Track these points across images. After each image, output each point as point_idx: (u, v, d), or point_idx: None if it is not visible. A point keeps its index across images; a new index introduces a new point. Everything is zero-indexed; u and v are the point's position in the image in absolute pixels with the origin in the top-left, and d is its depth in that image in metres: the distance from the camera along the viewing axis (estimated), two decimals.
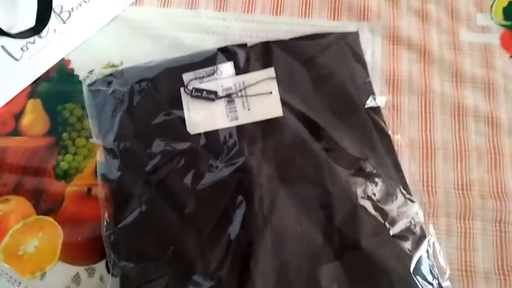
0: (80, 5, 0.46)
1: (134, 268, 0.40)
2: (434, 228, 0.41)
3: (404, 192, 0.41)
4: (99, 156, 0.45)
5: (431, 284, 0.38)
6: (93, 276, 0.42)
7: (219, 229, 0.40)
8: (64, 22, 0.46)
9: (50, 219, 0.43)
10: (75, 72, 0.48)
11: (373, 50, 0.48)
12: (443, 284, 0.39)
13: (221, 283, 0.38)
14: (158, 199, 0.41)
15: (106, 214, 0.42)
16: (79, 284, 0.41)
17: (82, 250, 0.42)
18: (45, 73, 0.48)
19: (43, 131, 0.46)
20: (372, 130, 0.43)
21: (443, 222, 0.42)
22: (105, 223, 0.42)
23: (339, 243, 0.39)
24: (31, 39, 0.44)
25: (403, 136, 0.44)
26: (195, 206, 0.41)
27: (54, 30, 0.46)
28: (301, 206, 0.40)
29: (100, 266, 0.42)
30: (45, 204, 0.44)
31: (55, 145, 0.46)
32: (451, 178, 0.43)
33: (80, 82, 0.47)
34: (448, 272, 0.40)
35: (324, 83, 0.45)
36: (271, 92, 0.45)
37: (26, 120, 0.47)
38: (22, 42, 0.44)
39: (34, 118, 0.47)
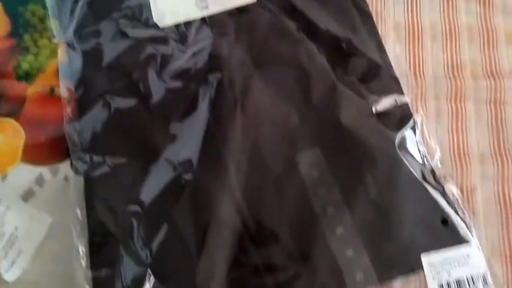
0: None
1: (99, 161, 0.37)
2: (423, 110, 0.38)
3: (388, 72, 0.38)
4: (61, 55, 0.42)
5: (419, 162, 0.35)
6: (57, 175, 0.39)
7: (188, 117, 0.37)
8: None
9: (11, 120, 0.40)
10: None
11: None
12: (432, 164, 0.35)
13: (191, 169, 0.35)
14: (122, 90, 0.38)
15: (69, 110, 0.39)
16: (42, 185, 0.39)
17: (45, 150, 0.39)
18: None
19: (3, 34, 0.43)
20: (354, 11, 0.40)
21: (433, 105, 0.39)
22: (67, 118, 0.39)
23: (318, 123, 0.36)
24: None
25: (387, 20, 0.41)
26: (162, 95, 0.38)
27: None
28: (275, 88, 0.37)
29: (65, 166, 0.39)
30: (5, 106, 0.41)
31: (16, 47, 0.43)
32: (440, 60, 0.40)
33: None
34: (438, 152, 0.36)
35: None
36: None
37: None
38: None
39: None
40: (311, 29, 0.39)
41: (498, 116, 0.38)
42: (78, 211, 0.36)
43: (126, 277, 0.32)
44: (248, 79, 0.37)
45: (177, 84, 0.38)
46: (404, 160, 0.34)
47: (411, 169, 0.34)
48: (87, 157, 0.37)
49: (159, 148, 0.36)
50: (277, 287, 0.32)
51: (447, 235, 0.33)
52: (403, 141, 0.35)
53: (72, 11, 0.42)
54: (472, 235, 0.33)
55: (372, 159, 0.34)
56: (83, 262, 0.34)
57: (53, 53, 0.42)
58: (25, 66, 0.42)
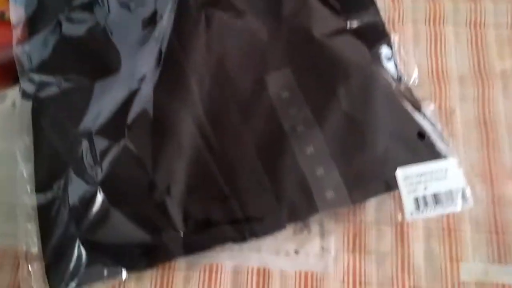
0: None
1: (49, 82, 0.34)
2: (400, 33, 0.35)
3: None
4: None
5: (394, 78, 0.33)
6: (4, 102, 0.36)
7: (146, 32, 0.34)
8: None
9: None
10: None
11: None
12: (409, 82, 0.33)
13: (149, 86, 0.32)
14: (77, 9, 0.35)
15: (18, 32, 0.36)
16: None
17: None
18: None
19: None
20: None
21: (410, 27, 0.36)
22: (16, 40, 0.35)
23: (288, 38, 0.33)
24: None
25: None
26: (119, 11, 0.35)
27: None
28: (243, 2, 0.35)
29: (13, 92, 0.36)
30: None
31: None
32: None
33: None
34: (416, 72, 0.34)
35: None
36: None
37: None
38: None
39: None
40: None
41: (478, 38, 0.36)
42: (25, 136, 0.33)
43: (73, 198, 0.29)
44: None
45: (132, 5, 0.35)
46: (379, 74, 0.32)
47: (386, 83, 0.32)
48: (36, 77, 0.34)
49: (114, 65, 0.33)
50: (242, 208, 0.30)
51: (424, 149, 0.30)
52: (378, 56, 0.33)
53: None
54: (450, 151, 0.30)
55: (345, 72, 0.32)
56: (28, 187, 0.31)
57: None
58: None
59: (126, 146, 0.30)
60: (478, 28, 0.36)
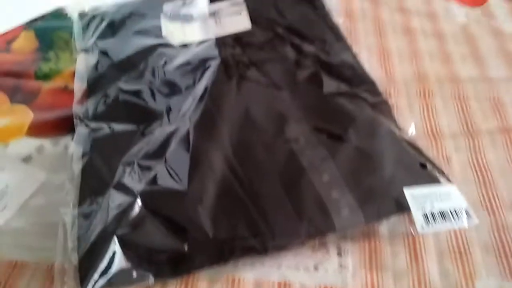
0: None
1: (101, 126, 0.40)
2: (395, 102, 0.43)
3: (360, 69, 0.44)
4: (79, 63, 0.48)
5: (395, 127, 0.38)
6: (57, 145, 0.41)
7: (186, 92, 0.41)
8: None
9: (22, 106, 0.44)
10: (69, 16, 0.55)
11: None
12: (408, 134, 0.39)
13: (186, 129, 0.38)
14: (130, 79, 0.44)
15: (79, 97, 0.43)
16: (42, 153, 0.40)
17: (50, 126, 0.42)
18: (42, 16, 0.54)
19: (30, 50, 0.50)
20: (330, 34, 0.48)
21: (405, 100, 0.44)
22: (76, 102, 0.43)
23: (303, 97, 0.40)
24: None
25: (360, 45, 0.49)
26: (165, 80, 0.43)
27: None
28: (268, 74, 0.43)
29: (66, 139, 0.41)
30: (21, 96, 0.45)
31: (40, 58, 0.49)
32: (408, 70, 0.47)
33: (71, 19, 0.53)
34: (413, 126, 0.40)
35: (289, 9, 0.51)
36: (240, 13, 0.51)
37: (16, 44, 0.51)
38: None
39: (24, 42, 0.51)
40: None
41: (464, 108, 0.43)
42: (74, 167, 0.37)
43: (112, 206, 0.32)
44: (243, 67, 0.43)
45: (180, 71, 0.43)
46: (381, 120, 0.38)
47: (388, 127, 0.37)
48: (91, 124, 0.40)
49: (157, 116, 0.40)
50: (266, 224, 0.32)
51: (427, 175, 0.34)
52: (379, 112, 0.39)
53: (94, 32, 0.50)
54: (450, 181, 0.34)
55: (352, 117, 0.38)
56: (71, 205, 0.34)
57: (72, 62, 0.49)
58: (45, 69, 0.48)
59: (166, 167, 0.35)
60: (462, 100, 0.43)
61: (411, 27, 0.52)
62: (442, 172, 0.35)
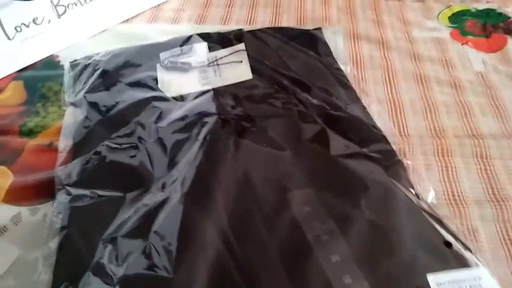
0: (76, 4, 0.52)
1: (83, 194, 0.36)
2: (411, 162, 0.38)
3: (370, 125, 0.40)
4: (67, 117, 0.44)
5: (413, 195, 0.34)
6: (35, 215, 0.37)
7: (179, 154, 0.38)
8: (59, 16, 0.52)
9: (3, 168, 0.41)
10: (61, 63, 0.52)
11: (335, 43, 0.52)
12: (428, 201, 0.34)
13: (178, 196, 0.34)
14: (119, 136, 0.40)
15: (62, 157, 0.40)
16: (17, 223, 0.36)
17: (29, 192, 0.38)
18: (32, 64, 0.51)
19: (17, 103, 0.47)
20: (337, 85, 0.45)
21: (421, 159, 0.39)
22: (59, 164, 0.39)
23: (308, 159, 0.37)
24: (26, 21, 0.49)
25: (369, 96, 0.45)
26: (156, 138, 0.39)
27: (49, 20, 0.51)
28: (269, 132, 0.39)
29: (46, 206, 0.37)
30: (2, 155, 0.42)
31: (26, 112, 0.46)
32: (422, 125, 0.43)
33: (63, 68, 0.50)
34: (432, 192, 0.35)
35: (292, 58, 0.48)
36: (241, 61, 0.48)
37: (4, 95, 0.48)
38: (17, 21, 0.49)
39: (12, 93, 0.48)
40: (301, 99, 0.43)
41: (488, 169, 0.38)
42: (50, 244, 0.33)
43: None
44: (242, 123, 0.39)
45: (173, 128, 0.40)
46: (397, 189, 0.34)
47: (405, 196, 0.33)
48: (72, 191, 0.36)
49: (147, 182, 0.36)
50: None
51: (452, 257, 0.29)
52: (394, 177, 0.35)
53: (85, 82, 0.46)
54: (479, 260, 0.29)
55: (364, 185, 0.34)
56: None
57: (60, 116, 0.45)
58: (30, 124, 0.45)
59: (149, 249, 0.30)
60: (485, 160, 0.39)
61: (424, 75, 0.48)
62: (469, 250, 0.30)
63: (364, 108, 0.43)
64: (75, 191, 0.36)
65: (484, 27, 0.54)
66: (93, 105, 0.43)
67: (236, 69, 0.47)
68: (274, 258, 0.30)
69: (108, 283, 0.29)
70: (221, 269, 0.29)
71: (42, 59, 0.52)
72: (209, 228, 0.32)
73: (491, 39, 0.53)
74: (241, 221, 0.33)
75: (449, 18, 0.56)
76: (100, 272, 0.29)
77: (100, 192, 0.35)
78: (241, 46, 0.49)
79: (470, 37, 0.53)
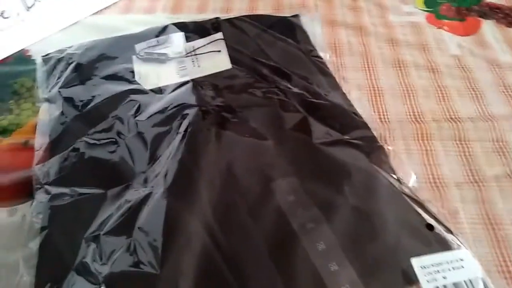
0: None
1: (62, 192, 0.35)
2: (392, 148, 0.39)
3: (353, 112, 0.40)
4: (42, 113, 0.43)
5: (395, 180, 0.34)
6: (14, 216, 0.36)
7: (160, 148, 0.37)
8: (28, 9, 0.50)
9: None
10: (33, 58, 0.50)
11: (314, 30, 0.52)
12: (409, 186, 0.35)
13: (161, 191, 0.34)
14: (97, 131, 0.39)
15: (39, 156, 0.39)
16: None
17: (7, 193, 0.37)
18: (2, 60, 0.50)
19: None
20: (318, 73, 0.45)
21: (401, 144, 0.40)
22: (36, 162, 0.38)
23: (291, 148, 0.36)
24: None
25: (349, 83, 0.45)
26: (136, 133, 0.38)
27: (18, 13, 0.49)
28: (250, 122, 0.39)
29: (24, 207, 0.36)
30: None
31: None
32: (402, 110, 0.43)
33: (35, 63, 0.49)
34: (414, 177, 0.36)
35: (271, 46, 0.48)
36: (219, 51, 0.47)
37: None
38: None
39: None
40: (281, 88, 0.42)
41: (467, 152, 0.39)
42: (31, 245, 0.32)
43: None
44: (223, 114, 0.39)
45: (152, 123, 0.39)
46: (379, 174, 0.34)
47: (387, 181, 0.33)
48: (51, 189, 0.35)
49: (128, 177, 0.35)
50: None
51: (435, 240, 0.30)
52: (375, 163, 0.35)
53: (59, 77, 0.45)
54: (460, 242, 0.30)
55: (346, 172, 0.34)
56: None
57: (34, 113, 0.44)
58: (3, 123, 0.43)
59: (134, 245, 0.30)
60: (463, 142, 0.40)
61: (402, 60, 0.48)
62: (451, 232, 0.31)
63: (344, 95, 0.43)
64: (54, 189, 0.35)
65: (458, 10, 0.55)
66: (69, 100, 0.42)
67: (215, 59, 0.46)
68: (261, 248, 0.30)
69: (93, 282, 0.28)
70: (207, 262, 0.29)
71: (12, 54, 0.50)
72: (194, 221, 0.32)
73: (466, 22, 0.53)
74: (225, 213, 0.32)
75: (424, 2, 0.56)
76: (85, 271, 0.29)
77: (80, 190, 0.35)
78: (219, 35, 0.48)
79: (445, 20, 0.53)
